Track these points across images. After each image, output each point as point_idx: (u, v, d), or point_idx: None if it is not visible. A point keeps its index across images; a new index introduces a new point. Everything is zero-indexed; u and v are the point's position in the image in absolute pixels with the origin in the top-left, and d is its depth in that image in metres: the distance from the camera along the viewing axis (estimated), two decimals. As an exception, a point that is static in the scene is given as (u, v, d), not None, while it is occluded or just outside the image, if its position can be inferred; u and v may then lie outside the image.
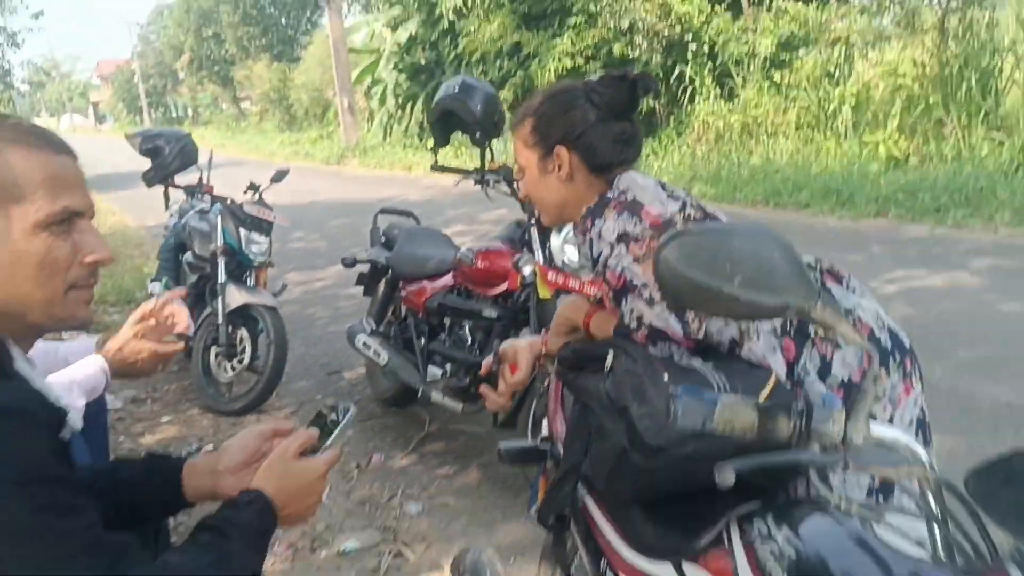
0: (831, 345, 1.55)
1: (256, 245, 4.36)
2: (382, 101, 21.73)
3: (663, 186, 1.66)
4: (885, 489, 1.54)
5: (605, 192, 1.67)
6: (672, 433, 1.31)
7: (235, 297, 4.17)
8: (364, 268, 4.25)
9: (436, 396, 3.47)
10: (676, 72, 14.20)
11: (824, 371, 1.54)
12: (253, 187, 4.58)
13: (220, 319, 4.17)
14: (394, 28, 20.71)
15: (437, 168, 3.50)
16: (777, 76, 13.34)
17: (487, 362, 1.96)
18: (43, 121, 71.83)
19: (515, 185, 3.27)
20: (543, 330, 1.92)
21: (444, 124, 3.29)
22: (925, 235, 7.09)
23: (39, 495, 0.96)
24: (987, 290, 5.27)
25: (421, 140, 19.77)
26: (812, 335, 1.55)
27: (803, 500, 1.24)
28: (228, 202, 4.38)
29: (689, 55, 14.17)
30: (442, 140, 3.41)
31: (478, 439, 3.74)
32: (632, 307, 1.55)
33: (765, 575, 1.11)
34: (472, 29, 16.13)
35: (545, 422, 1.94)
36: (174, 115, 54.72)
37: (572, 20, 14.97)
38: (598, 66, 14.86)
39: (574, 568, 1.72)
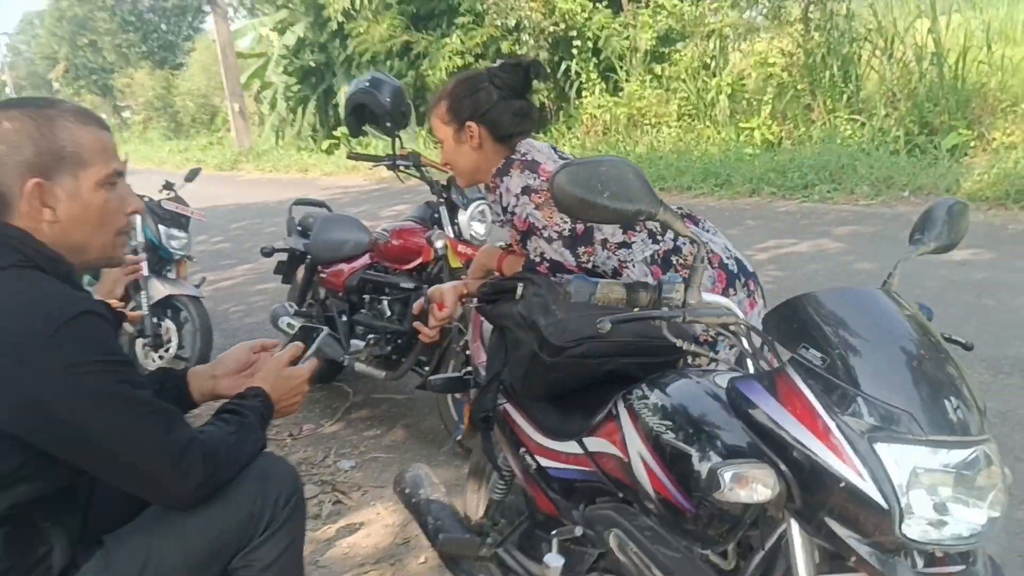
0: (687, 271, 1.97)
1: (176, 240, 4.58)
2: (272, 105, 21.65)
3: (554, 149, 2.07)
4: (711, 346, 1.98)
5: (509, 155, 2.06)
6: (569, 335, 1.71)
7: (158, 289, 4.39)
8: (282, 257, 4.53)
9: (360, 366, 3.79)
10: (563, 68, 14.73)
11: None
12: (168, 186, 4.79)
13: (145, 310, 4.38)
14: (281, 31, 20.64)
15: (353, 156, 3.81)
16: (658, 69, 14.01)
17: (419, 303, 2.32)
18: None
19: (422, 169, 3.63)
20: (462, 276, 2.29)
21: (357, 117, 3.61)
22: (794, 209, 7.76)
23: (119, 371, 1.30)
24: (847, 253, 5.90)
25: (315, 142, 19.84)
26: (673, 263, 1.98)
27: (667, 372, 1.64)
28: (146, 200, 4.59)
29: (574, 51, 14.73)
30: (356, 131, 3.73)
31: (399, 404, 4.08)
32: (536, 246, 1.95)
33: (644, 427, 1.50)
34: (361, 30, 16.31)
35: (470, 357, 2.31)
36: (51, 127, 52.62)
37: (460, 20, 15.34)
38: (488, 63, 15.29)
39: (500, 460, 2.08)
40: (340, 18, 15.95)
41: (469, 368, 2.35)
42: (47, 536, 1.38)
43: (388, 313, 3.78)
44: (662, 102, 13.81)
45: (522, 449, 1.87)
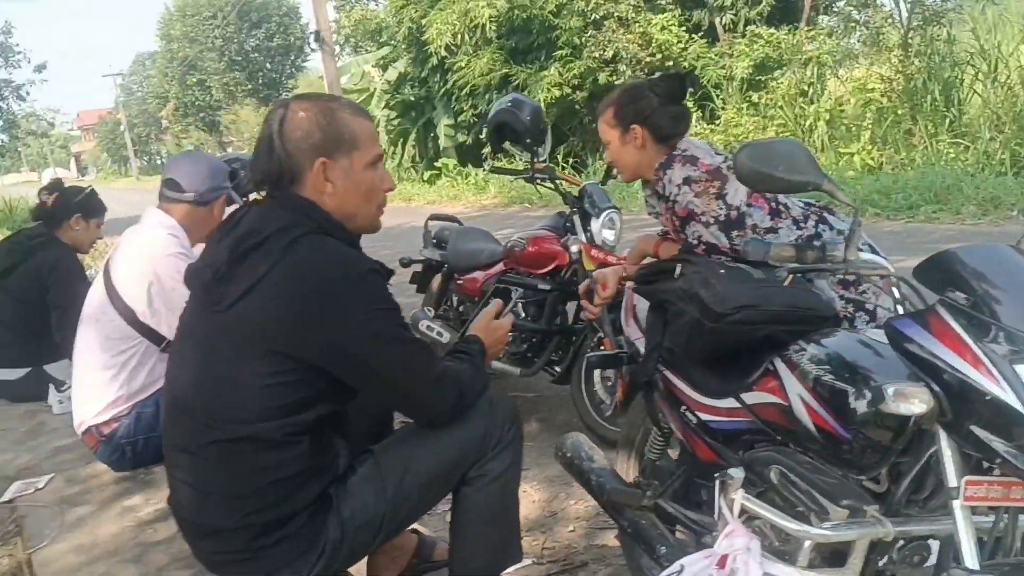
0: (848, 232, 2.25)
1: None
2: (374, 138, 22.46)
3: (711, 146, 2.36)
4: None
5: (669, 153, 2.36)
6: (728, 303, 1.99)
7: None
8: (418, 268, 4.91)
9: (496, 363, 4.11)
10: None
11: None
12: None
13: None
14: (383, 67, 21.50)
15: (495, 170, 4.19)
16: (755, 97, 14.18)
17: (584, 285, 2.62)
18: (24, 176, 72.34)
19: (556, 182, 3.96)
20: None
21: (498, 135, 3.97)
22: (900, 229, 7.85)
23: (397, 317, 1.68)
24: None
25: (416, 173, 20.56)
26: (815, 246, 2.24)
27: (820, 330, 1.90)
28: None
29: (670, 80, 14.98)
30: (497, 148, 4.09)
31: (530, 402, 4.38)
32: (694, 230, 2.25)
33: (803, 373, 1.76)
34: (462, 65, 16.90)
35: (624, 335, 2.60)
36: (160, 162, 55.42)
37: (558, 53, 15.79)
38: (584, 95, 15.71)
39: (660, 419, 2.36)
40: (443, 53, 16.50)
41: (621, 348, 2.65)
42: (334, 445, 1.75)
43: (523, 315, 4.10)
44: (759, 129, 13.93)
45: (683, 407, 2.15)
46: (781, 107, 13.68)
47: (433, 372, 1.76)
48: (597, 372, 3.69)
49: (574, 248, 3.72)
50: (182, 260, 2.67)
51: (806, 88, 13.74)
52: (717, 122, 14.55)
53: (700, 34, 15.34)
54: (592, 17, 15.29)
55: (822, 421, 1.69)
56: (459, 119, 18.92)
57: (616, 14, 15.03)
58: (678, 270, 2.18)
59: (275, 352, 1.63)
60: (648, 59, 14.90)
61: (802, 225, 2.29)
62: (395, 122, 21.70)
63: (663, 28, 14.96)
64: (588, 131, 16.68)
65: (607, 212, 3.85)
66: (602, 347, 3.65)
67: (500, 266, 4.25)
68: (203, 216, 2.85)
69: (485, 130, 4.00)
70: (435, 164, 19.54)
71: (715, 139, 14.17)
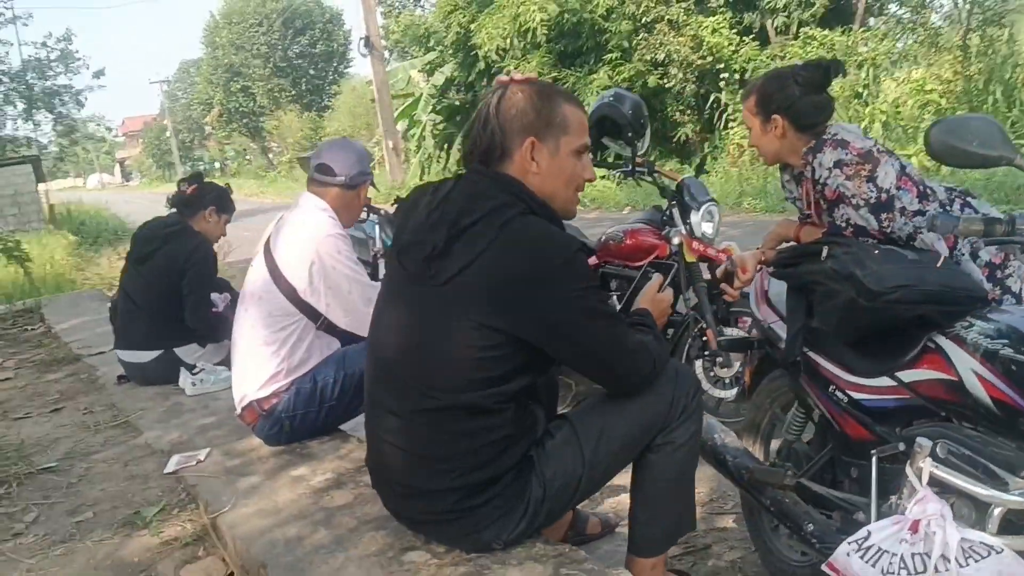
0: (976, 238, 2.27)
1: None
2: (419, 143, 22.67)
3: (861, 129, 2.39)
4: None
5: (810, 141, 2.39)
6: (887, 282, 2.02)
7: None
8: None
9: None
10: (711, 100, 14.98)
11: (974, 255, 2.26)
12: (399, 199, 5.32)
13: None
14: (430, 72, 21.66)
15: (596, 164, 4.22)
16: (807, 98, 14.08)
17: (722, 268, 2.66)
18: (71, 182, 73.68)
19: (654, 176, 4.00)
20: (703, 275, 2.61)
21: (599, 128, 4.01)
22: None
23: (600, 294, 1.79)
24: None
25: (464, 176, 20.63)
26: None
27: (986, 309, 1.93)
28: (382, 212, 5.13)
29: (721, 83, 14.98)
30: (597, 142, 4.13)
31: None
32: (843, 213, 2.28)
33: (975, 348, 1.79)
34: (511, 68, 16.99)
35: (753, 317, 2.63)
36: (203, 168, 56.19)
37: (608, 56, 15.82)
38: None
39: (805, 400, 2.38)
40: (495, 56, 16.58)
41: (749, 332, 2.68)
42: (534, 411, 1.82)
43: (617, 307, 4.14)
44: (812, 131, 13.87)
45: (831, 387, 2.18)
46: (835, 109, 13.56)
47: (631, 344, 1.84)
48: (699, 362, 3.72)
49: (676, 240, 3.75)
50: (342, 240, 2.78)
51: (861, 90, 13.63)
52: (769, 125, 14.47)
53: (751, 36, 15.27)
54: (643, 20, 15.29)
55: (1000, 394, 1.71)
56: (506, 123, 18.97)
57: (667, 17, 15.01)
58: (825, 252, 2.21)
59: (488, 326, 1.71)
60: (699, 62, 14.87)
61: (948, 208, 2.31)
62: (441, 127, 21.84)
63: (714, 31, 14.90)
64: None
65: (706, 205, 3.88)
66: (704, 338, 3.68)
67: (593, 260, 4.30)
68: (351, 199, 2.96)
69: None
70: (482, 168, 19.60)
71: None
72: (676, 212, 3.88)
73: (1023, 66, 11.91)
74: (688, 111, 15.80)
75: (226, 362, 3.85)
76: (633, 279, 4.00)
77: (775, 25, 15.11)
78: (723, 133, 15.14)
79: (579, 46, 16.67)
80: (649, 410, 1.89)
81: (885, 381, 2.04)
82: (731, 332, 3.59)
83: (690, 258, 3.75)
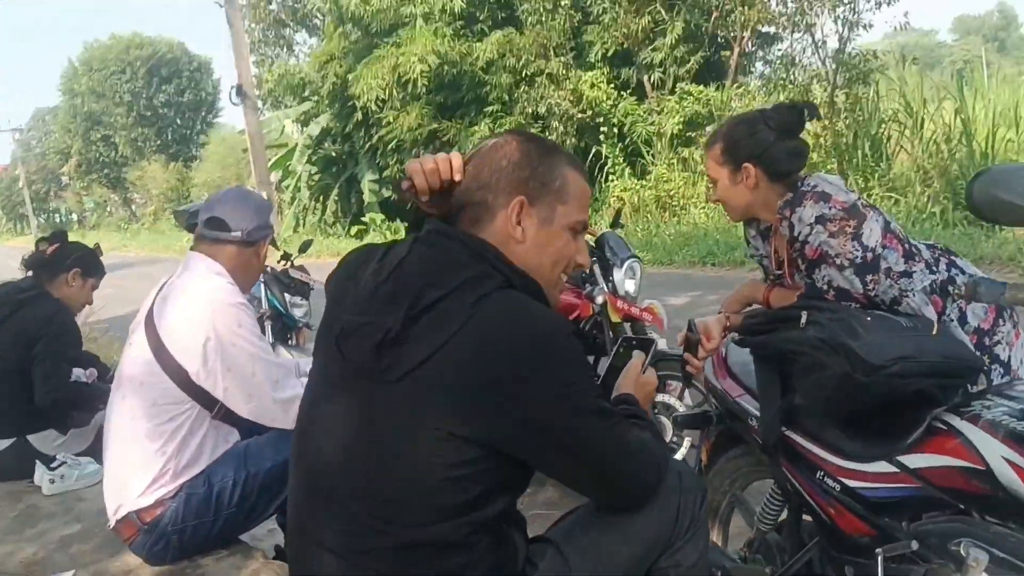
0: (964, 301, 2.06)
1: (298, 308, 4.66)
2: (294, 194, 22.05)
3: (842, 181, 2.16)
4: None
5: (785, 192, 2.15)
6: (887, 354, 1.77)
7: (286, 358, 4.44)
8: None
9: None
10: (592, 152, 15.07)
11: (961, 320, 2.05)
12: (286, 256, 4.89)
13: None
14: (305, 123, 21.18)
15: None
16: (685, 152, 14.36)
17: (682, 335, 2.37)
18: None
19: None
20: (691, 324, 2.34)
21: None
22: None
23: (595, 386, 1.40)
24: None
25: (342, 228, 20.20)
26: (951, 293, 2.06)
27: (1010, 383, 1.70)
28: (269, 270, 4.68)
29: (601, 136, 15.11)
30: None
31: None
32: (825, 274, 2.03)
33: (1004, 431, 1.55)
34: (390, 120, 16.70)
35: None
36: (59, 220, 53.24)
37: (489, 108, 15.75)
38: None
39: (784, 487, 2.11)
40: (373, 107, 16.27)
41: (705, 406, 2.41)
42: (513, 539, 1.43)
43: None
44: (689, 184, 14.10)
45: (820, 473, 1.91)
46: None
47: (634, 446, 1.47)
48: None
49: (599, 299, 3.48)
50: (243, 311, 2.30)
51: (736, 144, 13.95)
52: (648, 177, 14.66)
53: (629, 91, 15.52)
54: (523, 73, 15.33)
55: (1046, 487, 1.47)
56: (384, 174, 18.69)
57: (547, 71, 15.09)
58: (804, 318, 1.96)
59: (459, 436, 1.31)
60: (579, 115, 14.98)
61: (935, 269, 2.10)
62: (316, 177, 21.36)
63: (593, 85, 15.07)
64: (518, 186, 16.63)
65: (629, 261, 3.64)
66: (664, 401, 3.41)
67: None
68: (249, 258, 2.50)
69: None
70: (361, 219, 19.17)
71: (646, 195, 14.30)
72: (597, 269, 3.62)
73: (887, 122, 12.45)
74: (569, 164, 15.82)
75: (93, 451, 3.25)
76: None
77: (652, 80, 15.39)
78: (604, 186, 15.24)
79: (460, 98, 16.57)
80: (652, 526, 1.52)
81: (885, 467, 1.79)
82: (668, 400, 3.31)
83: (615, 318, 3.49)
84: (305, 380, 2.30)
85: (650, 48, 14.96)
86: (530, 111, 15.16)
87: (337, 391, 1.43)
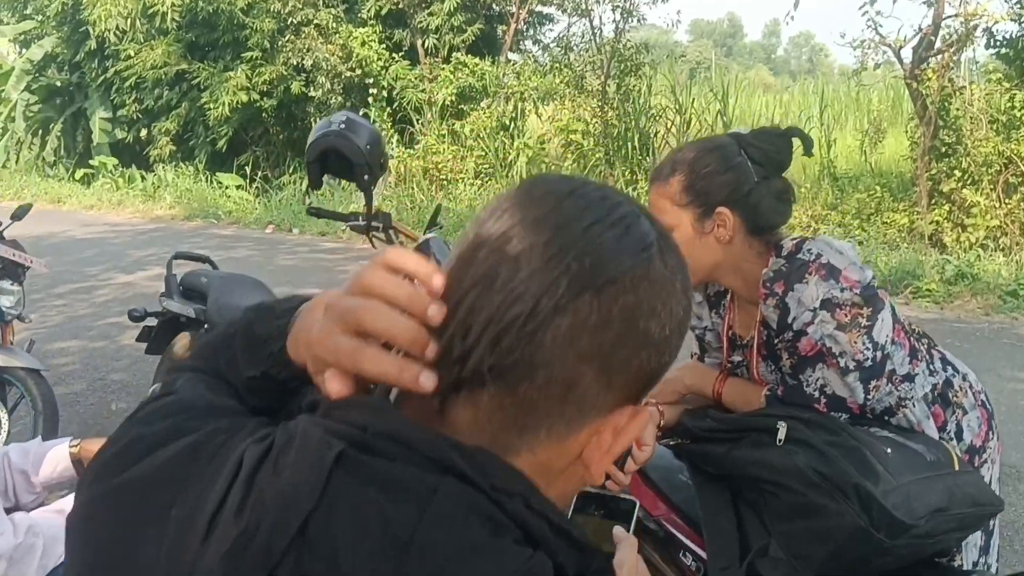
0: (962, 411, 1.62)
1: (7, 296, 3.58)
2: (6, 124, 19.23)
3: (852, 247, 1.62)
4: None
5: (765, 251, 1.60)
6: (920, 508, 1.29)
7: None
8: (151, 322, 3.69)
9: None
10: (360, 115, 14.14)
11: (958, 436, 1.61)
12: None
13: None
14: (25, 44, 18.49)
15: (314, 212, 3.11)
16: (456, 125, 13.85)
17: None
18: None
19: (389, 232, 3.02)
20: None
21: (321, 165, 2.93)
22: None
23: None
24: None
25: (66, 170, 17.85)
26: (950, 399, 1.61)
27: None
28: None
29: (370, 98, 14.24)
30: (318, 182, 3.03)
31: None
32: (819, 376, 1.50)
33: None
34: (131, 53, 14.84)
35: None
36: None
37: (247, 54, 14.36)
38: (274, 103, 14.44)
39: None
40: (112, 38, 14.35)
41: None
42: None
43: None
44: (458, 158, 13.63)
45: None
46: (481, 138, 13.48)
47: None
48: None
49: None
50: None
51: (508, 122, 13.68)
52: (416, 147, 14.02)
53: (402, 54, 14.74)
54: (289, 21, 14.09)
55: None
56: (119, 113, 16.67)
57: (316, 21, 13.97)
58: (783, 432, 1.43)
59: None
60: (348, 73, 14.02)
61: (933, 368, 1.64)
62: (36, 108, 18.69)
63: (364, 43, 14.15)
64: (274, 143, 15.42)
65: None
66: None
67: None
68: None
69: (305, 156, 2.91)
70: (91, 163, 16.98)
71: (413, 164, 13.65)
72: (419, 284, 2.94)
73: (655, 117, 12.63)
74: (332, 124, 14.82)
75: None
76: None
77: (425, 46, 14.70)
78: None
79: (214, 39, 14.99)
80: None
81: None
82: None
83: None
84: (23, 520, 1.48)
85: (426, 12, 14.27)
86: (294, 63, 13.97)
87: None
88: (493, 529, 0.64)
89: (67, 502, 1.65)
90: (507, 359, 0.64)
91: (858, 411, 1.52)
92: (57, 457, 1.77)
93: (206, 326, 3.39)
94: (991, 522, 1.60)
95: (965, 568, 1.53)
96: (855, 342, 1.47)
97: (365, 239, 3.10)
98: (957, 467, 1.40)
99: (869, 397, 1.50)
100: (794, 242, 1.60)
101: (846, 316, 1.48)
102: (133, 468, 0.71)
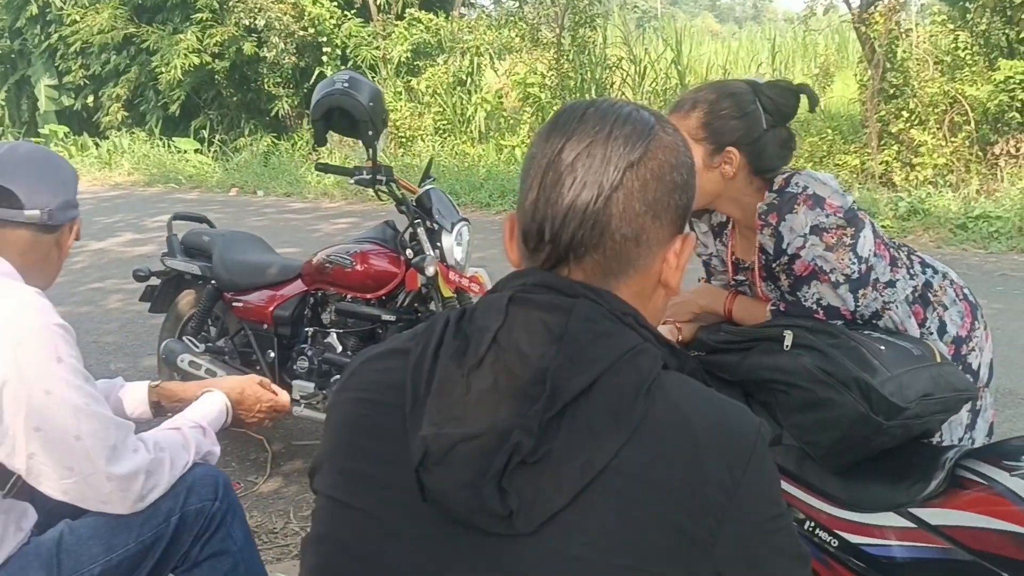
0: (942, 307, 1.86)
1: None
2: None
3: (833, 177, 1.84)
4: None
5: (762, 188, 1.81)
6: (911, 393, 1.53)
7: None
8: (154, 281, 3.81)
9: (306, 411, 3.25)
10: (316, 74, 14.09)
11: (941, 330, 1.85)
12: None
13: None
14: (-38, 11, 17.96)
15: (322, 168, 3.25)
16: (413, 82, 13.87)
17: None
18: None
19: (392, 185, 3.18)
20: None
21: (325, 123, 3.07)
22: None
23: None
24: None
25: (16, 139, 17.46)
26: (930, 300, 1.86)
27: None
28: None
29: (324, 58, 14.17)
30: (322, 139, 3.17)
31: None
32: (815, 291, 1.73)
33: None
34: (76, 18, 14.56)
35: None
36: None
37: (197, 16, 14.17)
38: (226, 65, 14.29)
39: None
40: (57, 2, 14.06)
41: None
42: None
43: (339, 348, 3.28)
44: (416, 115, 13.67)
45: (809, 525, 1.63)
46: (439, 95, 13.53)
47: None
48: None
49: (431, 269, 2.99)
50: (62, 338, 1.50)
51: (464, 78, 13.73)
52: (373, 105, 14.01)
53: (354, 11, 14.64)
54: (238, -21, 13.90)
55: None
56: (65, 80, 16.36)
57: (266, -21, 13.80)
58: (789, 340, 1.66)
59: None
60: (301, 32, 13.91)
61: (912, 272, 1.88)
62: (-27, 79, 18.26)
63: (315, 1, 14.03)
64: (228, 106, 15.27)
65: (459, 225, 3.18)
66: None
67: (297, 285, 3.38)
68: (48, 249, 1.71)
69: (311, 115, 3.07)
70: (39, 131, 16.68)
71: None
72: (423, 232, 3.12)
73: (611, 68, 12.78)
74: (286, 84, 14.73)
75: None
76: (372, 317, 3.17)
77: (378, 2, 14.60)
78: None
79: (162, 1, 14.74)
80: None
81: (895, 520, 1.55)
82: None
83: (447, 293, 3.04)
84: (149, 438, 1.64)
85: (377, -33, 14.18)
86: (246, 23, 13.81)
87: (415, 552, 0.87)
88: (617, 321, 0.92)
89: (176, 421, 1.79)
90: (593, 231, 0.92)
91: (850, 317, 1.75)
92: (137, 398, 1.91)
93: (213, 282, 3.54)
94: (979, 403, 1.87)
95: (947, 444, 1.79)
96: (842, 259, 1.70)
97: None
98: (939, 360, 1.64)
99: (859, 304, 1.74)
100: (783, 176, 1.81)
101: (833, 238, 1.71)
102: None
